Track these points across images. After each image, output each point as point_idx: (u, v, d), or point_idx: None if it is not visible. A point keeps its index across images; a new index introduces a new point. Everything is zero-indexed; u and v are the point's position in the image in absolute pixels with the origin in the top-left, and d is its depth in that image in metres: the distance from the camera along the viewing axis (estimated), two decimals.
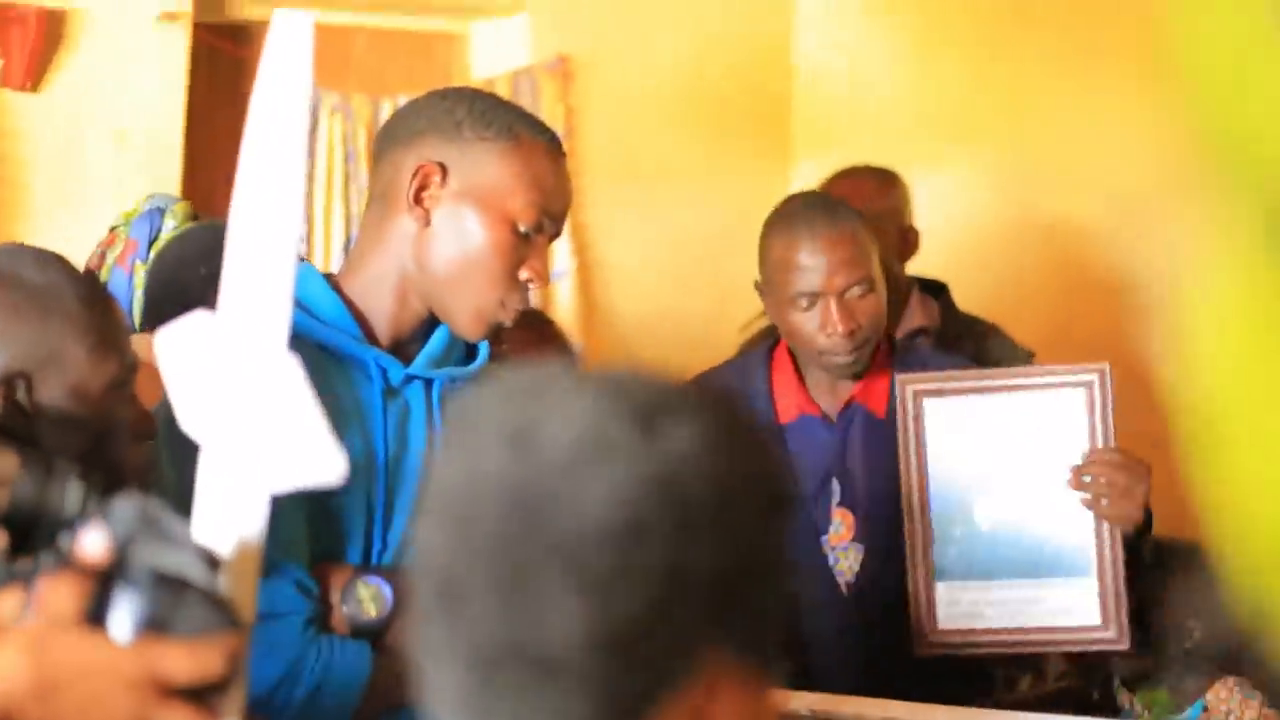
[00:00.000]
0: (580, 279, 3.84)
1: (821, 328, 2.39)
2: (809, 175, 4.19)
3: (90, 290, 1.60)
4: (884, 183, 3.23)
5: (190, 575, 1.09)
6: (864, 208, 2.98)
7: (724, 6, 4.15)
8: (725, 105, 4.08)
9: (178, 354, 1.23)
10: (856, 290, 2.40)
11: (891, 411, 2.45)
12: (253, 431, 1.19)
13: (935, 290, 3.19)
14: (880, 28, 4.14)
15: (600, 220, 3.84)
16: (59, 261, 1.63)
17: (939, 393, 2.35)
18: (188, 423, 1.22)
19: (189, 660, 1.07)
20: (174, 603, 1.08)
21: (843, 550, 2.50)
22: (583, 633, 0.80)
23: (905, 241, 3.17)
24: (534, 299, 3.84)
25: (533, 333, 3.04)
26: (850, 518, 2.50)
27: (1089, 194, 3.67)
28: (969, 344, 3.03)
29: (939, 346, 2.99)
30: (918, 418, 2.34)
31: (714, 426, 0.85)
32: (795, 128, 4.22)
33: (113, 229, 2.48)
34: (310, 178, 3.48)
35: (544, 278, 1.80)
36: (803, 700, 2.09)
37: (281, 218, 1.23)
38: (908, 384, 2.36)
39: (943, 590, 2.30)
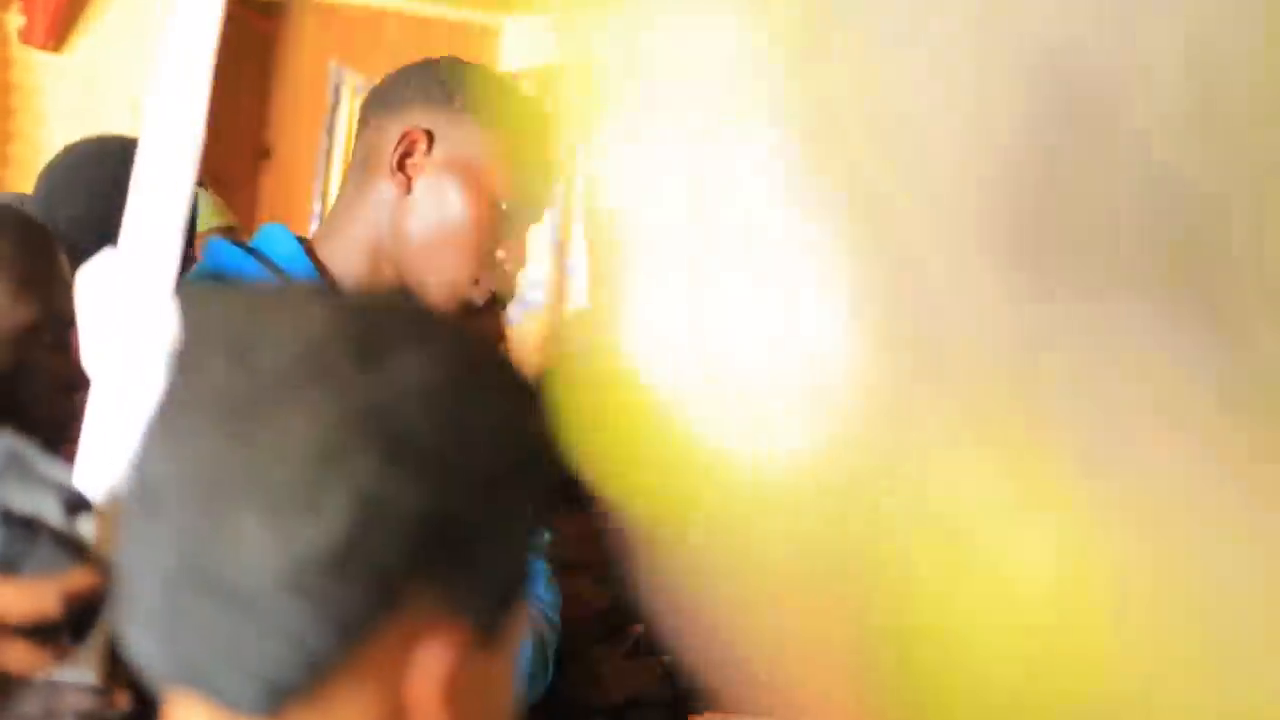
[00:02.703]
0: (596, 273, 3.82)
1: None
2: None
3: (26, 233, 1.58)
4: None
5: (44, 516, 1.08)
6: None
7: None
8: None
9: (90, 290, 1.23)
10: None
11: None
12: (135, 375, 1.18)
13: None
14: None
15: None
16: (5, 205, 1.62)
17: None
18: (88, 360, 1.22)
19: (25, 599, 1.06)
20: (24, 543, 1.07)
21: None
22: (270, 564, 0.75)
23: None
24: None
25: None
26: None
27: None
28: None
29: None
30: None
31: (446, 364, 0.79)
32: None
33: None
34: (329, 156, 3.47)
35: (520, 260, 1.75)
36: None
37: (180, 156, 1.24)
38: None
39: None
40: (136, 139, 2.40)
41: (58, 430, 1.47)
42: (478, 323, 2.95)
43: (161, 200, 1.23)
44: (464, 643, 0.79)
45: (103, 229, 1.91)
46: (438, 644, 0.78)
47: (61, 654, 1.08)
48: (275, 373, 0.77)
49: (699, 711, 2.04)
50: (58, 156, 2.28)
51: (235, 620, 0.76)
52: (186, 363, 0.81)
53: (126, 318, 1.21)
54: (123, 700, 1.19)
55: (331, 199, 3.53)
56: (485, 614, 0.80)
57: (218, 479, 0.76)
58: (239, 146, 3.38)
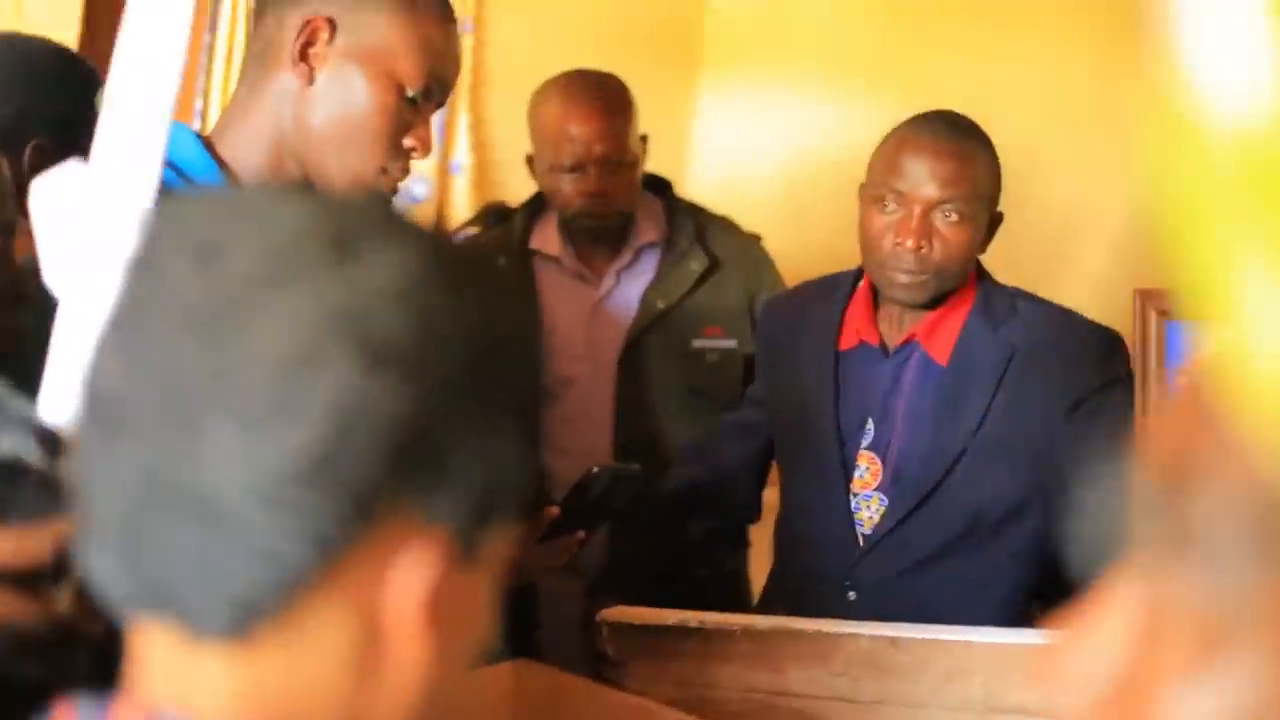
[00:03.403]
0: (477, 175, 3.83)
1: (895, 233, 2.20)
2: (716, 89, 4.20)
3: None
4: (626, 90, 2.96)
5: (24, 457, 1.05)
6: (625, 115, 2.87)
7: None
8: (636, 12, 4.07)
9: (49, 204, 1.19)
10: (949, 208, 2.22)
11: (955, 361, 2.25)
12: (108, 295, 1.15)
13: (656, 188, 3.02)
14: None
15: (501, 117, 3.84)
16: None
17: None
18: (51, 279, 1.18)
19: (13, 547, 1.04)
20: (8, 489, 1.04)
21: (865, 499, 2.30)
22: (243, 476, 0.71)
23: (644, 146, 2.96)
24: (421, 187, 3.84)
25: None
26: (877, 465, 2.28)
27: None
28: (695, 252, 2.92)
29: (667, 254, 2.92)
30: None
31: (425, 262, 0.75)
32: (706, 41, 4.22)
33: None
34: (211, 52, 3.44)
35: (427, 146, 1.75)
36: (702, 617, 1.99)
37: (160, 71, 1.21)
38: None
39: None
40: (12, 34, 2.36)
41: (3, 345, 1.43)
42: None
43: (140, 114, 1.19)
44: (443, 558, 0.76)
45: None
46: (416, 559, 0.75)
47: (47, 600, 1.06)
48: (246, 275, 0.74)
49: (609, 604, 2.08)
50: None
51: (205, 537, 0.73)
52: (147, 269, 0.77)
53: (98, 235, 1.15)
54: (96, 629, 1.19)
55: (214, 97, 3.51)
56: (464, 527, 0.77)
57: (185, 388, 0.73)
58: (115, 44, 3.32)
